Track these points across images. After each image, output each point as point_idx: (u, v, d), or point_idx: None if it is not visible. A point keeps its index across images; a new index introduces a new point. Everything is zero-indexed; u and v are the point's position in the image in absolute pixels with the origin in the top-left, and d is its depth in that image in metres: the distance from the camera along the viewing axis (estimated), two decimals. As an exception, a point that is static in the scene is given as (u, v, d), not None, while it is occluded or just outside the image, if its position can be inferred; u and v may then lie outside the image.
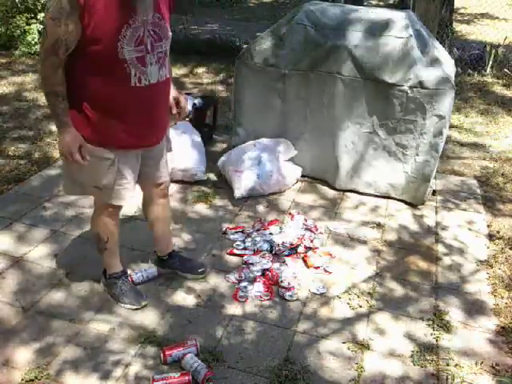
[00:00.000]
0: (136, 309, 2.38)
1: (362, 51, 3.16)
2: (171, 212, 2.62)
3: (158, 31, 1.94)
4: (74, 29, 1.78)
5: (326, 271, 2.72)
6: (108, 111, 1.96)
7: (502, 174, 3.87)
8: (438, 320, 2.42)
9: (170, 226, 2.66)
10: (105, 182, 2.11)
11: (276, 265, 2.73)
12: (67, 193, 2.31)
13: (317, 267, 2.73)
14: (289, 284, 2.59)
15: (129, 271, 2.55)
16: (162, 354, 2.10)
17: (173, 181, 3.50)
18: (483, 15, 9.73)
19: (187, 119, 3.77)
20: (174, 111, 2.28)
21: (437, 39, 3.61)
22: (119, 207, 2.30)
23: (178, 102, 2.28)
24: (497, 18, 9.44)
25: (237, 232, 3.00)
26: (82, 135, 2.00)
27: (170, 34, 2.03)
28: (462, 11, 10.19)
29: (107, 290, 2.47)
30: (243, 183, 3.28)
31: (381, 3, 10.65)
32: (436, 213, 3.34)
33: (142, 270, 2.59)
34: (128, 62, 1.87)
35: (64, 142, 1.97)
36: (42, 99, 4.81)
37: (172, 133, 3.52)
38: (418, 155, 3.23)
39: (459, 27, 8.64)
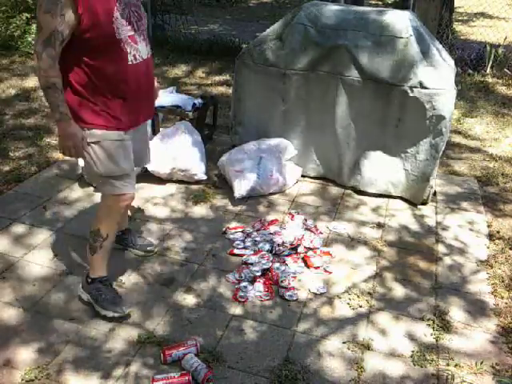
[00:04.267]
0: (120, 317, 2.27)
1: (362, 51, 3.16)
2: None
3: (138, 11, 2.06)
4: (70, 19, 1.84)
5: (326, 271, 2.72)
6: (110, 92, 2.02)
7: (503, 174, 3.87)
8: (438, 320, 2.41)
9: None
10: (124, 167, 2.15)
11: (276, 265, 2.73)
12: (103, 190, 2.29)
13: (317, 267, 2.73)
14: (289, 284, 2.59)
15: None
16: (161, 354, 2.10)
17: (173, 181, 3.51)
18: (483, 15, 9.73)
19: (187, 119, 3.77)
20: None
21: (437, 39, 3.61)
22: (131, 197, 2.28)
23: None
24: (496, 17, 9.43)
25: (237, 232, 3.00)
26: (91, 123, 2.04)
27: (145, 13, 2.16)
28: (461, 11, 10.19)
29: (88, 295, 2.34)
30: (243, 183, 3.28)
31: (380, 3, 10.65)
32: (436, 213, 3.33)
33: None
34: (124, 41, 1.97)
35: (67, 134, 2.00)
36: (42, 100, 4.81)
37: (172, 133, 3.54)
38: (418, 153, 3.23)
39: (459, 27, 8.63)
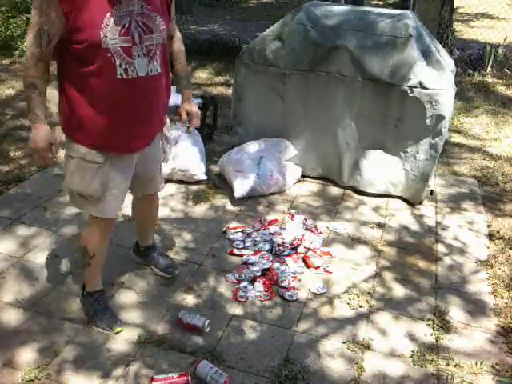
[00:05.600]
0: (108, 334, 2.25)
1: (362, 51, 3.16)
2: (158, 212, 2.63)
3: (147, 23, 1.86)
4: (56, 18, 1.73)
5: (326, 271, 2.72)
6: (97, 108, 1.87)
7: (502, 174, 3.87)
8: (438, 320, 2.41)
9: (155, 224, 2.69)
10: (90, 191, 2.01)
11: (276, 265, 2.73)
12: (72, 204, 2.19)
13: (317, 267, 2.73)
14: (289, 284, 2.59)
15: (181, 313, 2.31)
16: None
17: (173, 181, 3.51)
18: (483, 15, 9.74)
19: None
20: (185, 121, 2.31)
21: (437, 39, 3.62)
22: (111, 222, 2.21)
23: (188, 114, 2.31)
24: (497, 17, 9.44)
25: (237, 232, 3.00)
26: (71, 136, 1.97)
27: (164, 28, 1.93)
28: (461, 11, 10.20)
29: (83, 308, 2.36)
30: (243, 183, 3.28)
31: (381, 3, 10.66)
32: (436, 213, 3.34)
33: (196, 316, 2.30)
34: (112, 52, 1.78)
35: (34, 138, 1.90)
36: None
37: (172, 133, 3.53)
38: (418, 153, 3.23)
39: (459, 27, 8.64)
